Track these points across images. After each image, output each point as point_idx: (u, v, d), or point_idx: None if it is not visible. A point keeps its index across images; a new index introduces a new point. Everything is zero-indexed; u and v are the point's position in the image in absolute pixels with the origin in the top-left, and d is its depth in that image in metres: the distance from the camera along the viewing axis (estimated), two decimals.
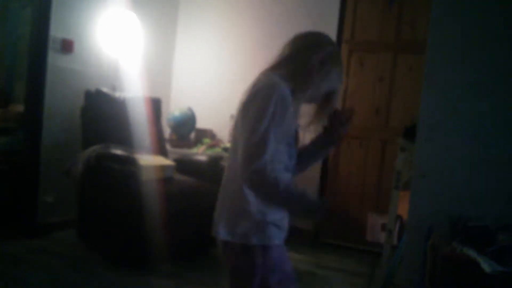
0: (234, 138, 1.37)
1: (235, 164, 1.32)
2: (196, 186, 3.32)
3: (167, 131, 4.34)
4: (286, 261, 1.46)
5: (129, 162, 2.97)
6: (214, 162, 3.53)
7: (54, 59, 3.37)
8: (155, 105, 3.82)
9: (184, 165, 3.54)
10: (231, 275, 1.39)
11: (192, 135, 4.37)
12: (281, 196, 1.28)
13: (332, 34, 4.01)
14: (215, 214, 1.43)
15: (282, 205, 1.34)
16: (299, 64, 1.37)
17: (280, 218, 1.40)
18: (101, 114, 3.36)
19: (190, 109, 4.22)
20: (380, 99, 3.92)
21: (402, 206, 2.67)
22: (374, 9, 3.92)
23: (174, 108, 4.34)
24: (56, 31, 3.35)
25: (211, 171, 3.43)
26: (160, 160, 3.29)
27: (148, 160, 3.15)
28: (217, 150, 4.00)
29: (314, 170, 4.07)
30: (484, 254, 1.61)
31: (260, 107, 1.26)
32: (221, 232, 1.36)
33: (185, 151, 4.05)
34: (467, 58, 1.97)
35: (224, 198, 1.42)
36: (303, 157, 1.54)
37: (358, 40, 3.99)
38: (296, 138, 1.46)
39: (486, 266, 1.53)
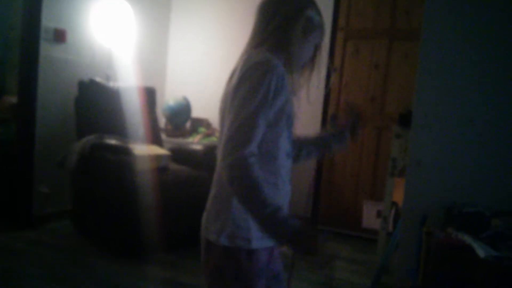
0: (222, 128, 1.26)
1: (220, 152, 1.21)
2: (191, 175, 3.32)
3: (162, 121, 4.32)
4: (275, 261, 1.36)
5: (124, 152, 2.97)
6: (210, 151, 3.52)
7: (47, 49, 3.34)
8: (150, 95, 3.80)
9: (180, 155, 3.53)
10: (211, 277, 1.28)
11: (188, 124, 4.36)
12: (255, 202, 1.10)
13: (327, 22, 3.98)
14: (205, 208, 1.34)
15: (252, 211, 1.13)
16: (283, 36, 1.26)
17: None
18: (95, 104, 3.34)
19: (185, 98, 4.20)
20: (375, 86, 3.92)
21: (398, 193, 2.68)
22: None
23: (169, 98, 4.32)
24: (48, 21, 3.32)
25: (206, 160, 3.42)
26: (155, 150, 3.28)
27: (143, 149, 3.13)
28: (213, 139, 4.00)
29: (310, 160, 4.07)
30: (479, 240, 1.62)
31: (251, 86, 1.14)
32: (206, 230, 1.28)
33: (181, 140, 4.04)
34: (461, 45, 1.97)
35: (214, 194, 1.31)
36: (303, 150, 1.47)
37: (353, 27, 3.97)
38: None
39: (480, 251, 1.55)
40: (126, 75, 3.92)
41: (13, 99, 3.89)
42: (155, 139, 3.71)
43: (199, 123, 4.32)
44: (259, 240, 1.23)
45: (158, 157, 3.16)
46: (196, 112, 4.31)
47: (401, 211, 2.24)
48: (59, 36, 3.40)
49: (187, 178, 3.28)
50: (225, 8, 4.39)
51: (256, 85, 1.13)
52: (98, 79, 3.43)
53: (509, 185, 1.92)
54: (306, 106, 4.40)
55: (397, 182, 2.77)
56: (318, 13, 1.34)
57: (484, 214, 1.78)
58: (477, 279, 1.55)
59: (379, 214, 2.97)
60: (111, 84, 3.51)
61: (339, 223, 4.05)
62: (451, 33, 1.98)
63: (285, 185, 1.33)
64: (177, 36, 4.68)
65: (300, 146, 1.47)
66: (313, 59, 1.39)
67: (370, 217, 3.17)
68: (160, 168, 3.13)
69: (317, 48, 1.37)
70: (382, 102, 3.90)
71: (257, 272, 1.24)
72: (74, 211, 3.33)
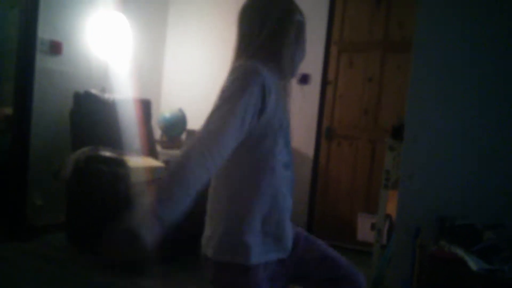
0: None
1: (220, 173, 1.23)
2: None
3: (158, 133, 4.33)
4: (276, 277, 1.30)
5: (118, 164, 2.97)
6: None
7: (43, 61, 3.36)
8: (145, 107, 3.81)
9: None
10: None
11: (183, 136, 4.37)
12: (170, 185, 1.05)
13: (321, 34, 4.03)
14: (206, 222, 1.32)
15: (162, 187, 1.06)
16: (276, 44, 1.24)
17: (275, 225, 1.24)
18: (90, 116, 3.35)
19: (180, 110, 4.21)
20: (369, 98, 3.94)
21: (392, 205, 2.69)
22: (362, 9, 3.95)
23: (164, 109, 4.33)
24: (44, 33, 3.34)
25: None
26: (150, 162, 3.29)
27: (138, 161, 3.14)
28: None
29: (305, 170, 4.09)
30: (471, 252, 1.62)
31: (235, 89, 1.13)
32: (204, 245, 1.27)
33: (176, 152, 4.05)
34: (453, 58, 1.99)
35: (210, 209, 1.30)
36: None
37: (347, 40, 4.02)
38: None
39: (472, 264, 1.55)
40: (122, 87, 3.94)
41: (8, 110, 3.89)
42: (150, 151, 3.72)
43: (194, 135, 4.33)
44: (257, 256, 1.21)
45: (152, 169, 3.16)
46: (191, 124, 4.32)
47: (394, 224, 2.25)
48: (55, 48, 3.43)
49: None
50: (220, 22, 4.43)
51: (238, 88, 1.12)
52: (93, 91, 3.45)
53: (501, 198, 1.93)
54: (301, 119, 4.44)
55: (391, 194, 2.78)
56: (299, 11, 1.33)
57: (476, 227, 1.79)
58: None
59: (373, 226, 2.98)
60: (106, 96, 3.52)
61: (334, 236, 4.04)
62: (442, 46, 2.01)
63: (286, 200, 1.28)
64: (173, 49, 4.71)
65: None
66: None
67: (364, 229, 3.17)
68: (154, 180, 3.14)
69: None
70: (376, 114, 3.93)
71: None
72: (68, 223, 3.32)
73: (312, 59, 4.06)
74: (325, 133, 4.07)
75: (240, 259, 1.19)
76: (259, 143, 1.18)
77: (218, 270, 1.22)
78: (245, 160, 1.20)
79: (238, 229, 1.19)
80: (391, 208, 2.72)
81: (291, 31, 1.26)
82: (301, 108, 4.05)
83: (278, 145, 1.22)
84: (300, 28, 1.30)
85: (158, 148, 4.03)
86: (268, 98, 1.14)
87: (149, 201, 1.04)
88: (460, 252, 1.64)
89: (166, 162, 3.53)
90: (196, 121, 4.34)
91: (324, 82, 4.07)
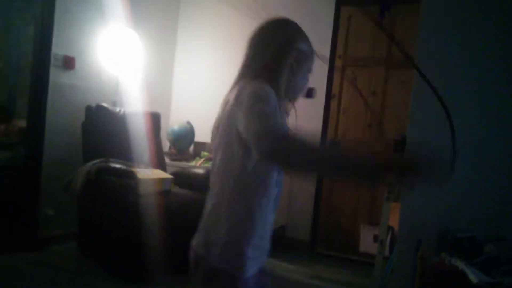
0: (216, 154, 1.29)
1: (218, 180, 1.28)
2: (193, 198, 3.36)
3: (166, 145, 4.40)
4: (264, 283, 1.35)
5: (128, 176, 3.03)
6: None
7: (56, 75, 3.44)
8: (155, 120, 3.88)
9: (182, 178, 3.59)
10: None
11: (191, 149, 4.43)
12: (323, 154, 1.01)
13: (326, 50, 4.10)
14: (199, 226, 1.36)
15: (331, 164, 1.01)
16: (276, 71, 1.29)
17: (259, 238, 1.28)
18: (102, 129, 3.42)
19: (189, 123, 4.28)
20: (373, 113, 4.00)
21: (394, 218, 2.72)
22: (366, 26, 4.01)
23: (173, 122, 4.40)
24: (58, 48, 3.43)
25: (208, 183, 3.47)
26: (158, 174, 3.35)
27: (147, 173, 3.20)
28: None
29: (309, 183, 4.14)
30: (472, 265, 1.64)
31: (261, 99, 1.14)
32: (196, 248, 1.31)
33: (184, 164, 4.11)
34: (454, 74, 2.03)
35: (207, 215, 1.34)
36: None
37: (351, 56, 4.08)
38: None
39: (473, 277, 1.55)
40: (132, 101, 4.01)
41: (22, 123, 3.99)
42: (159, 163, 3.78)
43: (202, 147, 4.40)
44: (251, 269, 1.26)
45: (161, 181, 3.23)
46: (199, 137, 4.38)
47: (397, 236, 2.28)
48: (68, 63, 3.52)
49: (189, 201, 3.32)
50: (228, 38, 4.52)
51: (263, 100, 1.14)
52: (105, 104, 3.52)
53: (503, 211, 1.95)
54: (306, 133, 4.44)
55: (394, 206, 2.81)
56: (307, 41, 1.37)
57: (477, 239, 1.81)
58: None
59: (375, 238, 3.01)
60: (117, 109, 3.60)
61: (338, 247, 4.08)
62: (443, 64, 2.05)
63: (269, 215, 1.33)
64: (181, 63, 4.80)
65: None
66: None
67: (367, 241, 3.20)
68: (163, 191, 3.20)
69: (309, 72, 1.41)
70: (380, 128, 3.98)
71: None
72: (79, 234, 3.37)
73: (316, 73, 4.12)
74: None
75: (240, 270, 1.24)
76: (261, 163, 1.22)
77: (214, 276, 1.26)
78: (248, 178, 1.24)
79: (240, 241, 1.25)
80: (394, 220, 2.75)
81: (290, 57, 1.31)
82: (306, 121, 4.10)
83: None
84: (301, 56, 1.34)
85: (167, 160, 4.09)
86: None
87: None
88: (460, 264, 1.64)
89: (175, 174, 3.59)
90: (204, 133, 4.41)
91: (328, 96, 4.13)
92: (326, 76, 4.11)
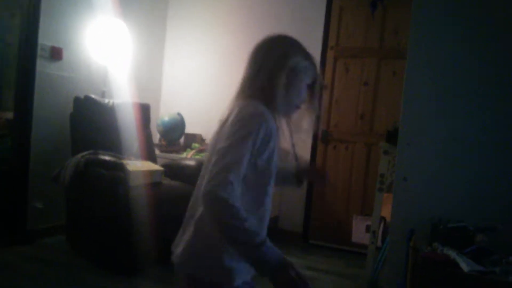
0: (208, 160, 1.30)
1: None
2: (184, 190, 3.34)
3: (157, 136, 4.37)
4: None
5: (117, 168, 3.00)
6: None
7: (43, 66, 3.40)
8: (144, 111, 3.85)
9: (173, 170, 3.57)
10: None
11: (182, 140, 4.41)
12: (235, 225, 1.10)
13: (318, 41, 4.08)
14: (179, 232, 1.37)
15: (232, 238, 1.13)
16: (270, 89, 1.31)
17: None
18: (90, 120, 3.39)
19: (179, 114, 4.25)
20: (365, 103, 4.00)
21: (386, 208, 2.73)
22: (358, 16, 4.01)
23: (163, 113, 4.37)
24: (45, 39, 3.38)
25: (199, 175, 3.46)
26: (149, 165, 3.32)
27: (137, 165, 3.17)
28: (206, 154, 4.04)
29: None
30: (463, 254, 1.65)
31: (244, 133, 1.20)
32: (177, 255, 1.31)
33: (174, 156, 4.08)
34: (446, 65, 2.03)
35: (188, 219, 1.35)
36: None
37: (343, 46, 4.07)
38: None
39: (464, 266, 1.56)
40: (121, 92, 3.98)
41: (9, 115, 3.92)
42: (149, 155, 3.76)
43: (192, 138, 4.38)
44: (238, 279, 1.27)
45: (151, 173, 3.20)
46: (190, 128, 4.36)
47: (389, 226, 2.28)
48: (56, 53, 3.47)
49: (179, 193, 3.29)
50: (218, 28, 4.49)
51: (247, 134, 1.19)
52: (93, 95, 3.49)
53: (493, 200, 1.97)
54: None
55: (386, 197, 2.82)
56: (305, 56, 1.38)
57: (468, 229, 1.82)
58: None
59: (368, 229, 3.02)
60: (106, 100, 3.56)
61: (330, 238, 4.09)
62: (435, 53, 2.05)
63: (265, 226, 1.35)
64: (171, 53, 4.76)
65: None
66: (311, 95, 1.43)
67: (359, 232, 3.22)
68: (153, 183, 3.17)
69: (314, 84, 1.42)
70: (372, 119, 3.98)
71: None
72: (68, 226, 3.35)
73: None
74: (321, 136, 4.12)
75: (224, 280, 1.26)
76: (256, 178, 1.26)
77: (195, 285, 1.28)
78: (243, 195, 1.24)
79: (220, 252, 1.24)
80: (386, 210, 2.76)
81: (283, 73, 1.31)
82: (298, 112, 4.09)
83: (271, 182, 1.31)
84: (293, 73, 1.34)
85: (157, 151, 4.07)
86: (269, 143, 1.25)
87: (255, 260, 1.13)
88: (452, 254, 1.66)
89: (165, 166, 3.56)
90: (194, 125, 4.40)
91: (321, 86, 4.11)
92: (319, 67, 4.09)
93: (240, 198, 1.17)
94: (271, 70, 1.32)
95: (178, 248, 1.32)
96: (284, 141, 1.44)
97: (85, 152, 3.15)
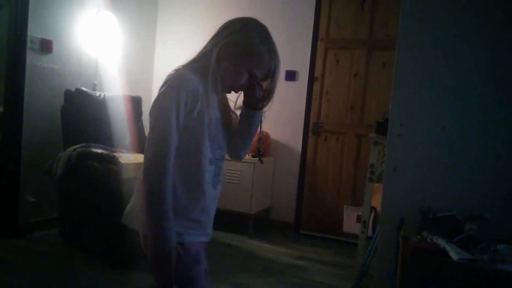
0: None
1: None
2: None
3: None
4: (202, 261, 1.43)
5: (110, 161, 3.00)
6: None
7: (33, 59, 3.37)
8: (136, 104, 3.84)
9: None
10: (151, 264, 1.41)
11: None
12: (156, 209, 1.23)
13: (308, 32, 4.09)
14: (128, 205, 1.46)
15: (150, 215, 1.25)
16: (208, 58, 1.37)
17: (200, 212, 1.37)
18: (81, 113, 3.37)
19: None
20: (355, 94, 4.02)
21: (377, 198, 2.76)
22: (348, 8, 4.02)
23: None
24: (34, 31, 3.35)
25: None
26: (141, 158, 3.31)
27: (129, 158, 3.17)
28: None
29: (293, 164, 4.17)
30: (452, 243, 1.68)
31: (164, 101, 1.28)
32: (135, 224, 1.39)
33: None
34: (435, 56, 2.04)
35: (138, 191, 1.39)
36: (236, 140, 1.51)
37: (333, 38, 4.09)
38: (226, 123, 1.45)
39: (453, 254, 1.59)
40: (113, 85, 3.97)
41: None
42: (141, 148, 3.75)
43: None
44: (190, 236, 1.35)
45: None
46: None
47: (379, 216, 2.31)
48: (46, 46, 3.44)
49: None
50: (209, 20, 4.46)
51: (167, 100, 1.28)
52: (84, 88, 3.47)
53: (482, 190, 2.00)
54: (289, 115, 4.51)
55: (376, 187, 2.85)
56: (265, 42, 1.36)
57: (457, 218, 1.85)
58: (451, 281, 1.61)
59: (358, 218, 3.06)
60: (97, 93, 3.55)
61: (321, 228, 4.14)
62: (425, 45, 2.07)
63: (210, 188, 1.39)
64: (162, 46, 4.74)
65: (234, 141, 1.52)
66: (250, 87, 1.41)
67: (350, 221, 3.26)
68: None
69: (251, 74, 1.38)
70: (362, 110, 4.01)
71: (190, 261, 1.37)
72: (60, 219, 3.34)
73: (299, 56, 4.12)
74: (312, 128, 4.14)
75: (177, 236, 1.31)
76: (188, 143, 1.30)
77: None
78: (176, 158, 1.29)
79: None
80: (376, 200, 2.79)
81: (221, 49, 1.37)
82: (289, 104, 4.11)
83: (205, 146, 1.33)
84: (234, 49, 1.36)
85: None
86: (196, 103, 1.29)
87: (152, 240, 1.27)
88: (441, 242, 1.68)
89: None
90: None
91: (311, 79, 4.14)
92: (309, 59, 4.11)
93: (173, 163, 1.25)
94: (217, 42, 1.39)
95: (133, 217, 1.41)
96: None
97: (77, 145, 3.14)
